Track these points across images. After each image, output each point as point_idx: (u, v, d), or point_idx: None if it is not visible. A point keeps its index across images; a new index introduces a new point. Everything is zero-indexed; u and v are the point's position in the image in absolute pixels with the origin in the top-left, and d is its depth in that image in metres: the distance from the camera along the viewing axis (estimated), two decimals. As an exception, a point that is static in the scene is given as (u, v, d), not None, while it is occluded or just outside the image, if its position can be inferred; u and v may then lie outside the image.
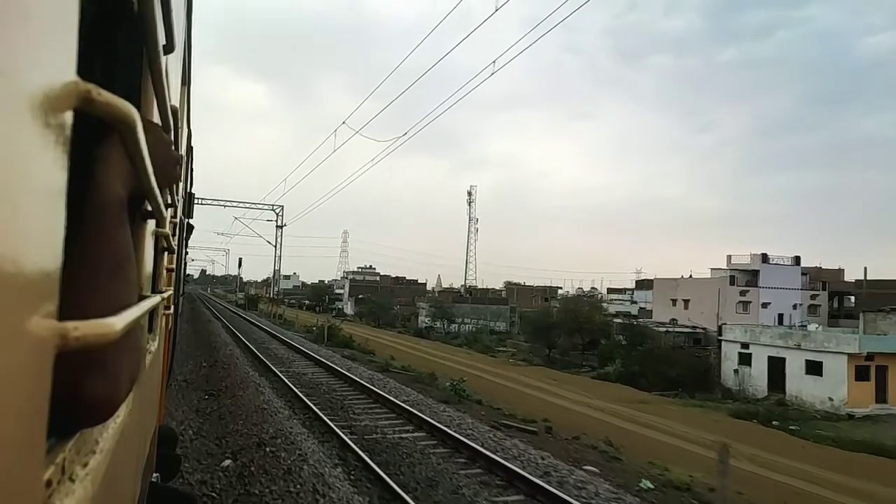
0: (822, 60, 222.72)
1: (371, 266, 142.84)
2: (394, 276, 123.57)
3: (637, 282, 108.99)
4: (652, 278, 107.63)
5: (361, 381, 14.85)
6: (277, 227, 45.56)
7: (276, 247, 45.86)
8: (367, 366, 22.10)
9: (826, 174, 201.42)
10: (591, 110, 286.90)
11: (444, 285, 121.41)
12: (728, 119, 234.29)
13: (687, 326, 52.41)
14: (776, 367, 35.38)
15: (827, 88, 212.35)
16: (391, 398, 12.80)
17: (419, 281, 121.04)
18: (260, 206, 45.35)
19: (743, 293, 53.76)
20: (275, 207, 45.66)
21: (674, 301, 58.85)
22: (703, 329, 52.91)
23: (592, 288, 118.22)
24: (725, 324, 41.91)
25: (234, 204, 44.70)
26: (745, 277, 55.33)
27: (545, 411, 18.35)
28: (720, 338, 40.78)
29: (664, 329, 50.03)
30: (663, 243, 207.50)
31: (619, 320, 53.28)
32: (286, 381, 14.49)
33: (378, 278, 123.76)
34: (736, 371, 38.14)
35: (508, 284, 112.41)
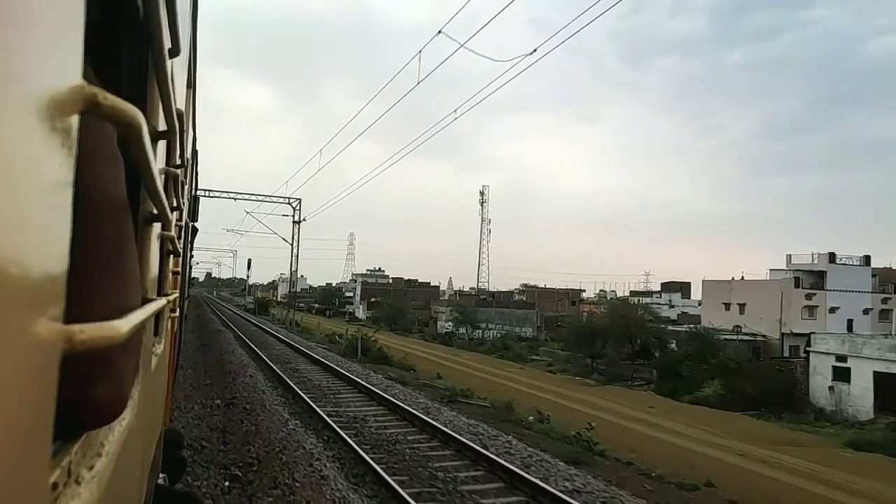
0: (829, 62, 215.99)
1: (380, 268, 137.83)
2: (406, 278, 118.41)
3: (663, 284, 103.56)
4: (678, 280, 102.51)
5: (460, 437, 9.62)
6: (294, 222, 40.38)
7: (292, 245, 40.69)
8: (422, 392, 16.96)
9: (835, 176, 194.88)
10: (596, 113, 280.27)
11: (455, 288, 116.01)
12: (734, 121, 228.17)
13: (747, 334, 46.95)
14: (886, 385, 29.92)
15: (834, 90, 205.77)
16: (534, 479, 7.58)
17: (431, 284, 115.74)
18: (275, 199, 40.23)
19: (809, 296, 48.30)
20: (291, 201, 40.55)
21: (726, 305, 53.41)
22: (763, 336, 47.55)
23: (602, 290, 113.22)
24: (814, 333, 36.40)
25: (246, 196, 39.66)
26: (809, 279, 49.92)
27: (691, 466, 13.09)
28: (808, 349, 35.30)
29: (722, 337, 44.48)
30: (669, 245, 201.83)
31: (679, 327, 47.70)
32: (347, 438, 9.29)
33: (391, 281, 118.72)
34: (831, 388, 32.66)
35: (526, 287, 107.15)
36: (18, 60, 0.33)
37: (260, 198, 39.87)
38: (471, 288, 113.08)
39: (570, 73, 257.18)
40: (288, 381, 14.99)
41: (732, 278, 56.84)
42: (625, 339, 46.18)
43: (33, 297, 0.37)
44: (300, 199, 40.52)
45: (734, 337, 44.07)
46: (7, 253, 0.32)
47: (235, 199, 38.82)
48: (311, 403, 12.19)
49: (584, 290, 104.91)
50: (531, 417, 17.39)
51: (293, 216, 40.27)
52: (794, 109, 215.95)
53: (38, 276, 0.37)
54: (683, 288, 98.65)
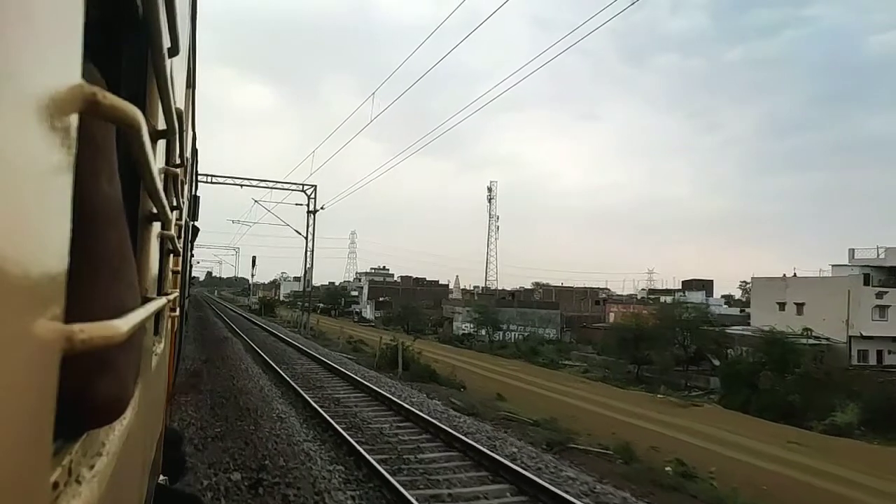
0: (829, 59, 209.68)
1: (385, 267, 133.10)
2: (414, 277, 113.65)
3: (684, 282, 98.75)
4: (701, 279, 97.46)
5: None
6: (309, 212, 35.39)
7: (306, 238, 35.63)
8: (508, 429, 12.13)
9: (837, 173, 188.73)
10: (597, 111, 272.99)
11: (461, 286, 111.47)
12: (735, 119, 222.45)
13: (813, 337, 41.94)
14: None
15: (835, 87, 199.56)
16: None
17: (439, 283, 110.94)
18: (286, 186, 35.18)
19: (880, 295, 43.32)
20: (305, 188, 35.51)
21: (781, 305, 48.36)
22: (827, 339, 42.59)
23: (605, 288, 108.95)
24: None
25: (255, 183, 34.64)
26: (878, 276, 45.00)
27: None
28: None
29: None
30: (670, 244, 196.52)
31: (743, 331, 42.69)
32: None
33: (399, 279, 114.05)
34: (947, 404, 27.69)
35: (539, 285, 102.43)
36: (18, 60, 0.33)
37: (269, 184, 34.88)
38: (475, 286, 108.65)
39: (571, 71, 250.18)
40: (338, 427, 9.97)
41: (784, 275, 51.94)
42: (675, 344, 41.30)
43: (34, 297, 0.36)
44: (315, 186, 35.47)
45: (804, 341, 39.12)
46: (7, 252, 0.32)
47: (242, 185, 33.82)
48: (394, 481, 7.16)
49: (604, 289, 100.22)
50: (669, 469, 12.46)
51: (307, 205, 35.23)
52: (795, 107, 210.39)
53: (38, 276, 0.37)
54: (706, 286, 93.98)
